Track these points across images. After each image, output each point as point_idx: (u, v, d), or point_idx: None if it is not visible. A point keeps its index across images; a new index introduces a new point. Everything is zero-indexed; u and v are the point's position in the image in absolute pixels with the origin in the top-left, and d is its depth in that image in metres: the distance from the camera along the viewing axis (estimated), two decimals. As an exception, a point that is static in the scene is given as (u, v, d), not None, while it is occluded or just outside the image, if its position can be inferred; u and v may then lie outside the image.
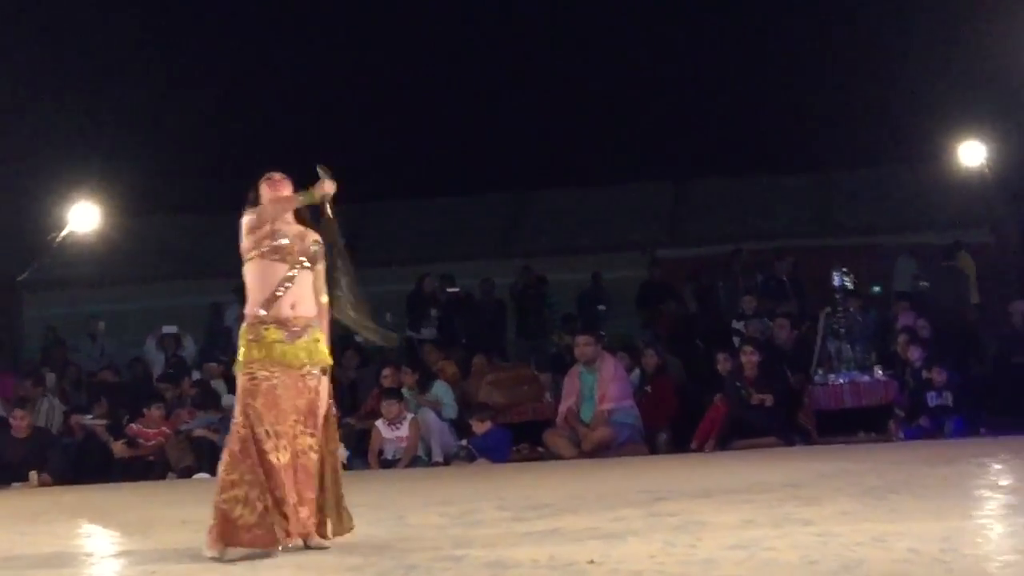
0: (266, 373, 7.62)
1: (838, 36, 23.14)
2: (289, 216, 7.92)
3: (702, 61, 25.98)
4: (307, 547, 7.63)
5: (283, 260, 7.76)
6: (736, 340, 17.29)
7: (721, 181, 25.30)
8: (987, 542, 6.92)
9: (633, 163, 25.58)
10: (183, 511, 10.19)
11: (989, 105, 20.15)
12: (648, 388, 15.93)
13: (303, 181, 8.01)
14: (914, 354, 15.28)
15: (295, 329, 7.72)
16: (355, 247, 22.59)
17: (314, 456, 7.70)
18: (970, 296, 18.90)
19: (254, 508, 7.38)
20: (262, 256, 7.76)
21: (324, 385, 7.86)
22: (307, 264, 7.83)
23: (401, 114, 26.47)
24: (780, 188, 24.79)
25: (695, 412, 15.53)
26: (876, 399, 15.35)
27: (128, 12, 25.36)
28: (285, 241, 7.79)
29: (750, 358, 15.02)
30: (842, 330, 15.80)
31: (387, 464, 15.00)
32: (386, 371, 16.07)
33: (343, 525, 7.82)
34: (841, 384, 15.38)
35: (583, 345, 15.45)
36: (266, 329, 7.67)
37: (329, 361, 7.93)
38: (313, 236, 7.92)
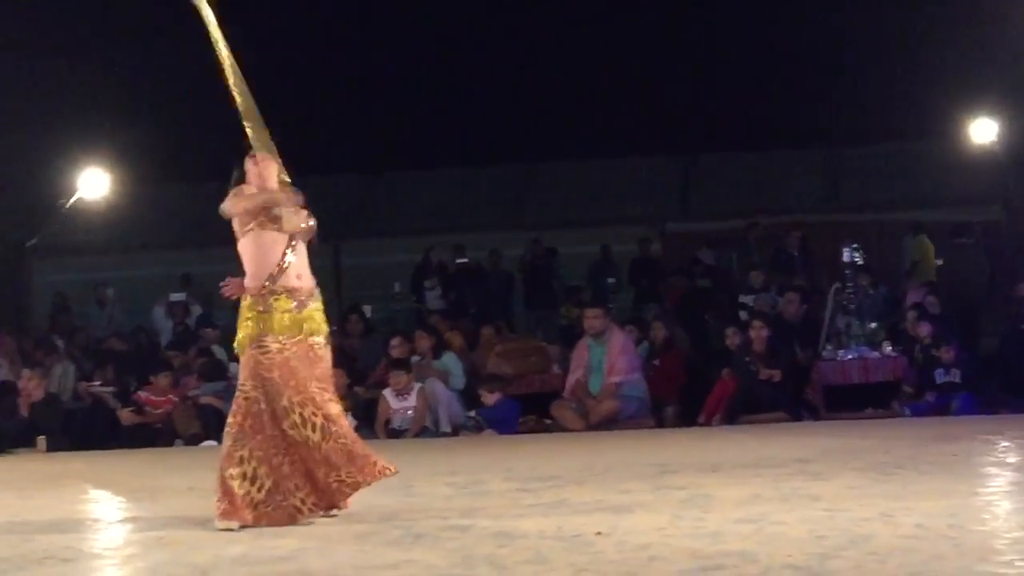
0: (278, 345, 7.58)
1: (851, 10, 23.03)
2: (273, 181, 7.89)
3: (714, 33, 25.87)
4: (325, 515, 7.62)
5: (281, 230, 7.73)
6: (743, 315, 17.27)
7: (732, 155, 25.23)
8: (994, 518, 6.91)
9: (644, 136, 25.51)
10: (190, 478, 10.21)
11: (1002, 82, 20.06)
12: (656, 361, 15.92)
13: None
14: (923, 331, 15.25)
15: (302, 299, 7.70)
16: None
17: (344, 423, 7.66)
18: (981, 274, 18.82)
19: (262, 485, 7.37)
20: (260, 226, 7.72)
21: (328, 355, 7.86)
22: (303, 237, 7.81)
23: (411, 84, 26.41)
24: (791, 162, 24.72)
25: (703, 386, 15.54)
26: (884, 375, 15.32)
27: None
28: (279, 211, 7.75)
29: (759, 333, 15.00)
30: (851, 306, 15.76)
31: (394, 434, 15.00)
32: (395, 341, 16.05)
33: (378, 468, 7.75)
34: (850, 360, 15.33)
35: (592, 317, 15.44)
36: (276, 300, 7.64)
37: (327, 331, 7.93)
38: (303, 213, 7.86)
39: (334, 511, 7.65)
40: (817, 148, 24.54)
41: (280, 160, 8.03)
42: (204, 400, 15.90)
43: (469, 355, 16.64)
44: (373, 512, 7.78)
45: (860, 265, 16.51)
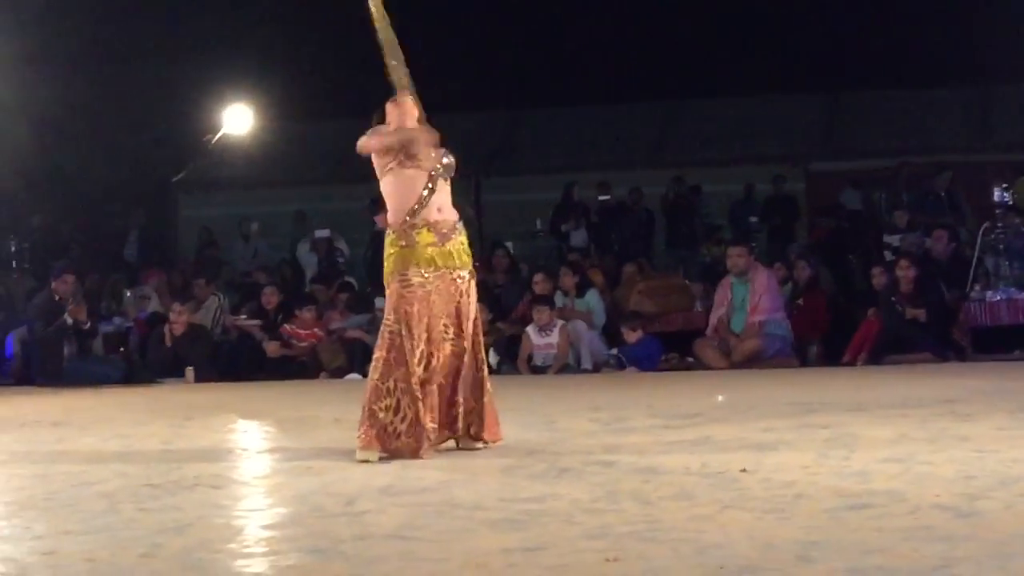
0: (420, 279, 7.63)
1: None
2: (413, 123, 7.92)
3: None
4: (458, 447, 7.71)
5: (420, 167, 7.76)
6: (888, 255, 17.06)
7: (877, 93, 24.87)
8: None
9: (788, 74, 25.23)
10: (336, 409, 10.32)
11: None
12: (800, 301, 15.79)
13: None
14: (1075, 271, 15.00)
15: (444, 231, 7.73)
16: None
17: (467, 359, 7.72)
18: None
19: (405, 415, 7.43)
20: (400, 164, 7.76)
21: (473, 289, 7.89)
22: (443, 174, 7.83)
23: (554, 21, 26.31)
24: (938, 101, 24.29)
25: (847, 326, 15.40)
26: (1034, 317, 15.07)
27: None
28: (421, 151, 7.78)
29: (906, 272, 14.79)
30: (1001, 246, 15.50)
31: (537, 370, 15.06)
32: (537, 277, 16.08)
33: (494, 432, 7.85)
34: (998, 301, 15.08)
35: (735, 256, 15.34)
36: (417, 233, 7.68)
37: (472, 265, 7.95)
38: (443, 152, 7.88)
39: (480, 444, 7.72)
40: (966, 85, 24.07)
41: (418, 97, 8.05)
42: (349, 333, 16.07)
43: (611, 293, 16.62)
44: (518, 446, 7.82)
45: (1010, 205, 16.22)
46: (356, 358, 15.53)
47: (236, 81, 21.85)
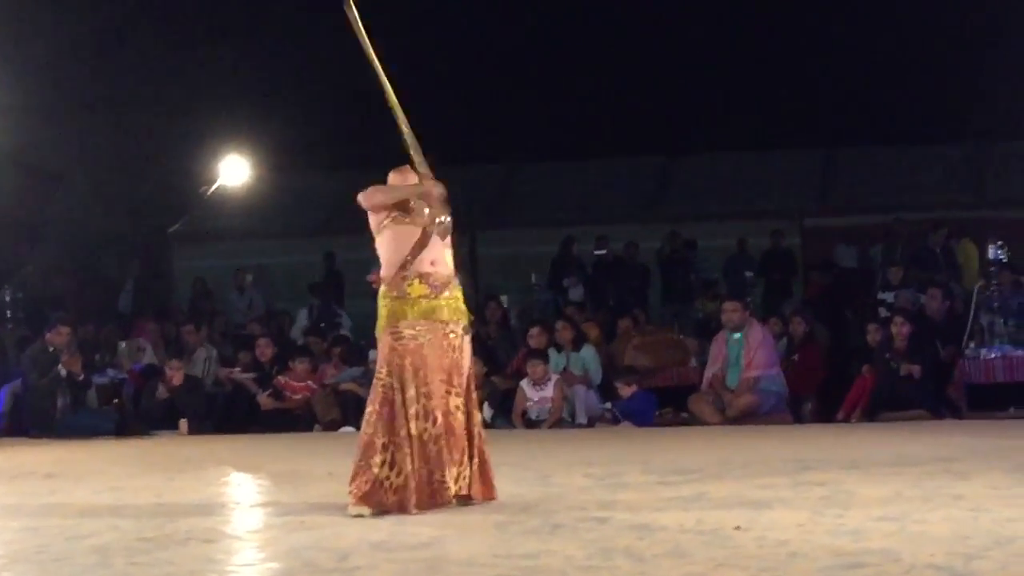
0: (412, 332, 7.61)
1: (995, 4, 22.66)
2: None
3: (855, 27, 25.63)
4: (454, 503, 7.68)
5: (415, 223, 7.77)
6: (882, 311, 17.08)
7: (873, 149, 24.96)
8: None
9: (784, 129, 25.33)
10: (329, 463, 10.28)
11: None
12: (795, 356, 15.79)
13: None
14: (1069, 330, 15.00)
15: (436, 284, 7.72)
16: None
17: (461, 416, 7.70)
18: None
19: (400, 470, 7.40)
20: (394, 221, 7.78)
21: (467, 344, 7.86)
22: (440, 231, 7.83)
23: (550, 75, 26.41)
24: (934, 158, 24.39)
25: (841, 382, 15.39)
26: (1029, 375, 15.05)
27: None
28: (414, 204, 7.81)
29: (900, 329, 14.79)
30: (995, 304, 15.49)
31: (531, 424, 15.03)
32: (533, 331, 16.05)
33: (488, 490, 7.81)
34: (993, 358, 15.07)
35: (730, 311, 15.35)
36: (409, 285, 7.67)
37: (468, 319, 7.92)
38: (441, 212, 7.90)
39: (473, 501, 7.70)
40: (962, 143, 24.17)
41: (421, 155, 8.05)
42: (343, 386, 16.04)
43: (606, 347, 16.61)
44: (511, 502, 7.80)
45: (1005, 263, 16.24)
46: (350, 411, 15.48)
47: (232, 133, 21.95)
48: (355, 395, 15.50)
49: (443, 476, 7.53)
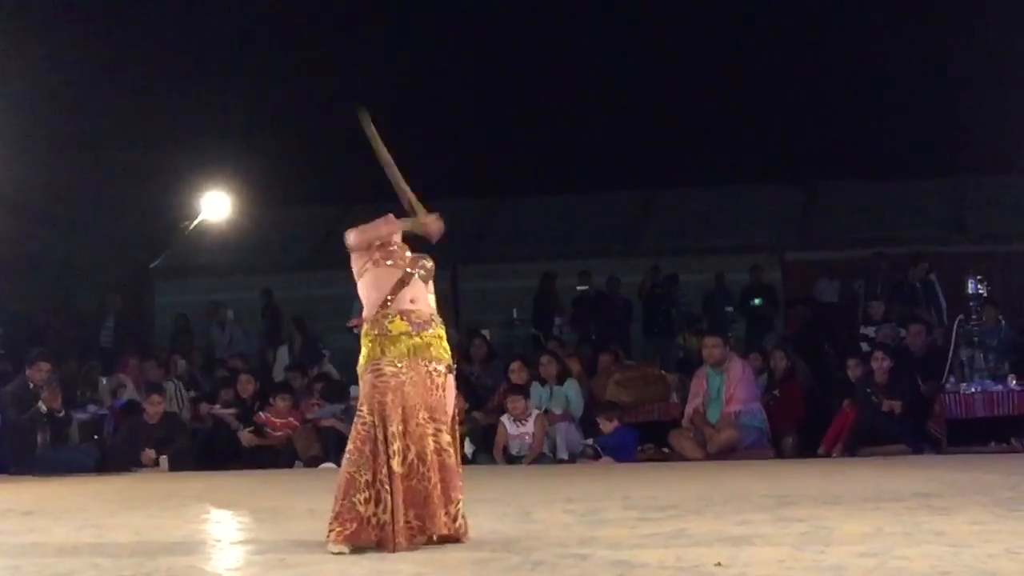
0: (393, 369, 7.57)
1: (976, 38, 22.79)
2: (397, 238, 7.93)
3: (835, 62, 25.74)
4: (433, 541, 7.62)
5: (396, 266, 7.78)
6: (864, 346, 17.11)
7: (853, 183, 25.05)
8: (1124, 556, 6.77)
9: (764, 164, 25.41)
10: (310, 500, 10.26)
11: None
12: (776, 391, 15.82)
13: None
14: (1049, 364, 15.02)
15: (418, 322, 7.69)
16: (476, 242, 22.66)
17: (452, 453, 7.67)
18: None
19: (386, 507, 7.36)
20: (375, 264, 7.77)
21: (451, 384, 7.84)
22: (422, 275, 7.84)
23: (531, 110, 26.48)
24: (914, 192, 24.48)
25: (822, 417, 15.41)
26: (1009, 409, 15.05)
27: (260, 1, 25.61)
28: (396, 248, 7.82)
29: (881, 364, 14.83)
30: (975, 338, 15.52)
31: (512, 460, 15.02)
32: (514, 365, 16.06)
33: (459, 531, 7.75)
34: (973, 393, 15.09)
35: (711, 347, 15.37)
36: (390, 322, 7.65)
37: (450, 360, 7.89)
38: (424, 259, 7.91)
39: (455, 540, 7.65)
40: (942, 177, 24.26)
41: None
42: (324, 422, 16.02)
43: (588, 382, 16.61)
44: (492, 539, 7.78)
45: (985, 297, 16.27)
46: (331, 447, 15.48)
47: (213, 169, 21.97)
48: (336, 431, 15.50)
49: (424, 515, 7.48)
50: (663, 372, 17.19)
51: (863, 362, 15.41)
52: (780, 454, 15.03)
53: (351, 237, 7.84)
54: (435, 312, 7.86)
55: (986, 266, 18.35)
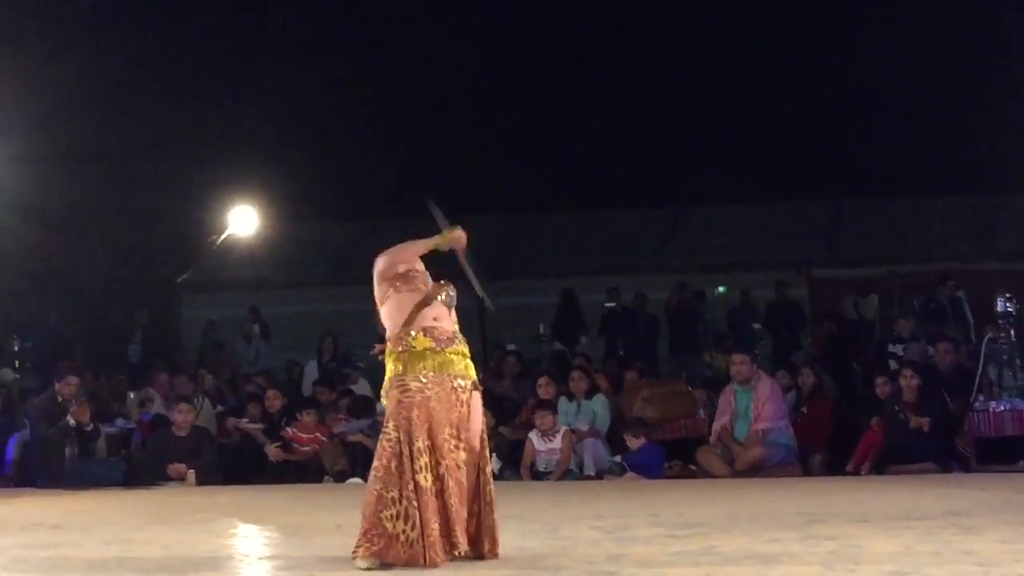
0: (418, 384, 7.58)
1: (1007, 55, 22.72)
2: (419, 266, 7.97)
3: (864, 80, 25.68)
4: (459, 556, 7.61)
5: (418, 291, 7.82)
6: (892, 363, 17.06)
7: (881, 201, 25.00)
8: None
9: (791, 181, 25.37)
10: (337, 515, 10.27)
11: None
12: (804, 408, 15.77)
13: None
14: (1078, 383, 14.95)
15: (441, 338, 7.71)
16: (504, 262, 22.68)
17: (467, 472, 7.66)
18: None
19: (414, 524, 7.34)
20: (397, 291, 7.82)
21: (476, 401, 7.82)
22: (443, 299, 7.85)
23: (558, 126, 26.49)
24: (942, 209, 24.41)
25: (850, 434, 15.36)
26: (1039, 428, 14.99)
27: (290, 15, 25.68)
28: (418, 275, 7.86)
29: (909, 382, 14.77)
30: (1004, 356, 15.46)
31: (539, 476, 15.01)
32: (541, 381, 16.04)
33: (491, 550, 7.74)
34: (1002, 411, 15.02)
35: (739, 364, 15.32)
36: (414, 339, 7.67)
37: (475, 377, 7.88)
38: (448, 287, 7.94)
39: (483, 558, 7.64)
40: (970, 194, 24.18)
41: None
42: (351, 437, 16.03)
43: (614, 399, 16.59)
44: (519, 556, 7.77)
45: (1014, 315, 16.20)
46: (358, 462, 15.49)
47: (241, 182, 22.01)
48: (363, 446, 15.51)
49: (452, 530, 7.47)
50: (690, 389, 17.14)
51: (891, 380, 15.36)
52: (808, 472, 14.98)
53: (381, 261, 7.88)
54: (458, 331, 7.86)
55: (1015, 284, 18.24)
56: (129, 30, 23.53)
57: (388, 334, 7.82)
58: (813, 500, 11.43)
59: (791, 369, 16.78)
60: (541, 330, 22.60)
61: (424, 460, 7.43)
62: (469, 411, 7.72)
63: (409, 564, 7.30)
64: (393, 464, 7.45)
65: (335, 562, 7.67)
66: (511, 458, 15.37)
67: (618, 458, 15.18)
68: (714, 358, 19.38)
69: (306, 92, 24.34)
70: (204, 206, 22.77)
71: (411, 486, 7.37)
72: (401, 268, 7.88)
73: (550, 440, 15.10)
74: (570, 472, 15.02)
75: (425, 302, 7.77)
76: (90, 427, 15.73)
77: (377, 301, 7.93)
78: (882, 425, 14.79)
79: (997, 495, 11.20)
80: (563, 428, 15.15)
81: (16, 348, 20.05)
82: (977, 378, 15.33)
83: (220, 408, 18.20)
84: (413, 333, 7.68)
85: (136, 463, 16.07)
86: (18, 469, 16.12)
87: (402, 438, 7.46)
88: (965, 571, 6.81)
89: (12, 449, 16.33)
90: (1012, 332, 15.70)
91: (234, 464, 16.38)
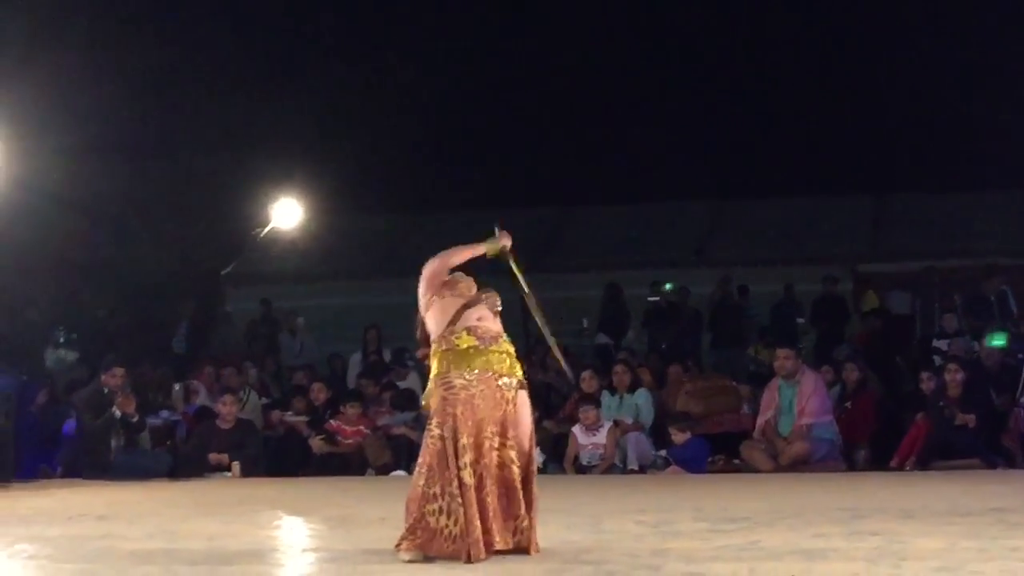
0: (463, 382, 7.57)
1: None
2: (468, 282, 8.01)
3: (908, 73, 25.58)
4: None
5: (462, 296, 7.84)
6: (936, 359, 16.98)
7: (925, 195, 24.86)
8: None
9: (836, 175, 25.28)
10: (381, 508, 10.28)
11: None
12: (848, 404, 15.71)
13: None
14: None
15: (485, 337, 7.71)
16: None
17: (516, 470, 7.65)
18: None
19: (457, 519, 7.34)
20: (440, 296, 7.84)
21: (523, 400, 7.82)
22: (487, 305, 7.87)
23: (602, 119, 26.48)
24: (987, 203, 24.25)
25: (895, 429, 15.30)
26: (1085, 424, 14.89)
27: (334, 9, 25.74)
28: (461, 283, 7.88)
29: (954, 376, 14.70)
30: (1050, 352, 15.39)
31: (582, 469, 15.01)
32: (585, 374, 16.03)
33: (531, 547, 7.72)
34: (1048, 407, 14.94)
35: (783, 358, 15.27)
36: (457, 337, 7.67)
37: (521, 376, 7.87)
38: (492, 295, 7.97)
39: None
40: (1017, 189, 24.00)
41: None
42: (395, 430, 16.06)
43: (658, 393, 16.57)
44: (563, 549, 7.78)
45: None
46: (402, 455, 15.53)
47: (285, 176, 22.04)
48: (407, 439, 15.55)
49: (489, 527, 7.46)
50: (734, 383, 17.10)
51: (936, 375, 15.29)
52: (852, 467, 14.94)
53: (428, 268, 7.89)
54: (502, 331, 7.86)
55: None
56: (175, 24, 23.64)
57: (433, 336, 7.84)
58: (857, 496, 11.39)
59: (835, 364, 16.72)
60: (584, 323, 22.57)
61: (468, 457, 7.44)
62: (515, 409, 7.72)
63: (453, 557, 7.31)
64: (437, 461, 7.45)
65: (379, 554, 7.69)
66: (555, 452, 15.37)
67: (662, 452, 15.17)
68: (758, 352, 19.32)
69: (350, 85, 24.40)
70: (248, 199, 22.81)
71: (455, 483, 7.37)
72: (446, 277, 7.91)
73: (594, 434, 15.10)
74: (613, 466, 15.02)
75: (469, 304, 7.79)
76: (135, 418, 15.82)
77: (421, 309, 7.95)
78: (927, 421, 14.72)
79: (1042, 491, 11.16)
80: (608, 423, 15.14)
81: (62, 340, 20.13)
82: (1023, 373, 15.25)
83: (264, 400, 18.25)
84: (457, 332, 7.68)
85: (181, 455, 16.15)
86: (70, 454, 16.20)
87: (446, 435, 7.46)
88: (1011, 568, 6.78)
89: (68, 430, 16.38)
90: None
91: (278, 456, 16.44)
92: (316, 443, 16.25)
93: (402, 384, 17.60)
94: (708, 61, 26.51)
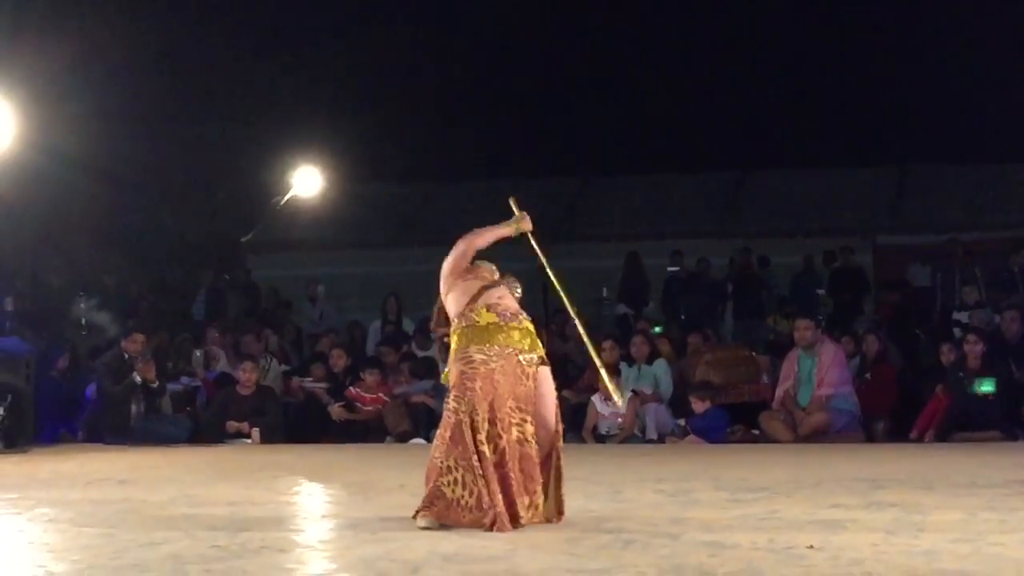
0: (483, 357, 7.56)
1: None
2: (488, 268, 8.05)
3: (929, 44, 25.49)
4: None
5: (482, 279, 7.87)
6: (957, 331, 16.94)
7: (947, 167, 24.79)
8: None
9: (856, 146, 25.23)
10: (400, 475, 10.33)
11: None
12: (868, 375, 15.69)
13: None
14: None
15: (506, 314, 7.71)
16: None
17: (535, 444, 7.64)
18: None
19: (472, 491, 7.36)
20: (462, 278, 7.87)
21: (544, 376, 7.81)
22: (508, 288, 7.90)
23: (624, 89, 26.43)
24: (1011, 176, 24.16)
25: (914, 401, 15.28)
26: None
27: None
28: (483, 269, 7.91)
29: (973, 348, 14.66)
30: (1072, 324, 15.33)
31: (601, 439, 15.02)
32: (605, 344, 15.98)
33: (554, 512, 7.75)
34: (1068, 379, 14.90)
35: (803, 329, 15.25)
36: (477, 314, 7.68)
37: (542, 352, 7.87)
38: (514, 282, 8.02)
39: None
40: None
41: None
42: (414, 398, 16.09)
43: (677, 363, 16.56)
44: (582, 517, 7.79)
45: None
46: (421, 423, 15.56)
47: (305, 143, 22.06)
48: (426, 407, 15.58)
49: (512, 501, 7.47)
50: (754, 354, 17.08)
51: (956, 347, 15.26)
52: (871, 438, 14.93)
53: (454, 252, 7.90)
54: (522, 310, 7.86)
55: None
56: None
57: (453, 315, 7.85)
58: (877, 466, 11.37)
59: (855, 336, 16.69)
60: (604, 293, 22.56)
61: (486, 431, 7.43)
62: (536, 386, 7.72)
63: (473, 526, 7.31)
64: (450, 434, 7.46)
65: (398, 520, 7.70)
66: (573, 422, 15.37)
67: (681, 422, 15.17)
68: (778, 323, 19.30)
69: (370, 54, 24.37)
70: (268, 167, 22.84)
71: (474, 457, 7.37)
72: (470, 262, 7.93)
73: (613, 404, 15.09)
74: (632, 436, 15.03)
75: (488, 285, 7.81)
76: (156, 384, 15.86)
77: (442, 294, 7.97)
78: (947, 393, 14.70)
79: (1062, 463, 11.14)
80: (628, 393, 15.13)
81: (82, 305, 20.17)
82: (1043, 346, 15.22)
83: (284, 367, 18.27)
84: (477, 309, 7.69)
85: (201, 421, 16.20)
86: (92, 418, 16.26)
87: (463, 408, 7.45)
88: (1031, 538, 6.78)
89: (90, 394, 16.44)
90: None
91: (298, 423, 16.47)
92: (336, 410, 16.28)
93: (422, 354, 17.60)
94: (731, 31, 26.44)
